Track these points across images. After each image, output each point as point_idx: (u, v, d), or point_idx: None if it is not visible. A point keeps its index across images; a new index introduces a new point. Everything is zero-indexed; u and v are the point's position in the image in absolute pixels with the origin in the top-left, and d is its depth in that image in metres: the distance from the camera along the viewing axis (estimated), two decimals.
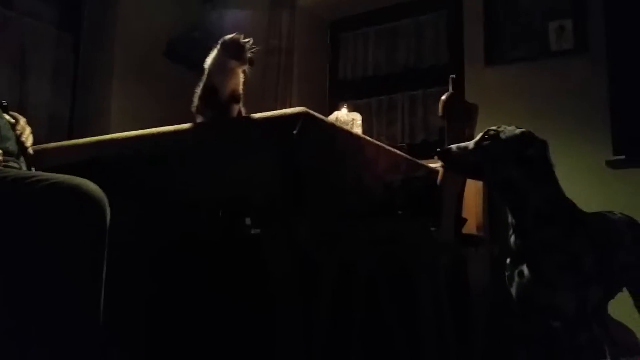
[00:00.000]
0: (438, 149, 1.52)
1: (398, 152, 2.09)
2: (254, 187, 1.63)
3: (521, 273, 1.44)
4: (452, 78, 3.62)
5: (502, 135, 1.42)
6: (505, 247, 1.52)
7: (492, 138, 1.43)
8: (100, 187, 1.33)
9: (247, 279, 1.84)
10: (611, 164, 2.97)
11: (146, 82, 3.89)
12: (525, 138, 1.41)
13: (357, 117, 2.12)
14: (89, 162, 1.80)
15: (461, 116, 1.76)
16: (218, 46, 1.65)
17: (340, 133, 1.75)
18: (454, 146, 1.51)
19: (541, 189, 1.41)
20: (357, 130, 2.01)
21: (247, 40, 1.64)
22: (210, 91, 1.64)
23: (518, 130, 1.43)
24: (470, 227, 2.86)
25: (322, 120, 1.68)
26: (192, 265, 1.92)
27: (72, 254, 1.26)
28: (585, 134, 3.07)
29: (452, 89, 3.59)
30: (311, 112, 1.55)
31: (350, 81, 4.23)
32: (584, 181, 2.97)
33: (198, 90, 1.70)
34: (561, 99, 3.17)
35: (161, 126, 1.72)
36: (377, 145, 1.92)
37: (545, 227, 1.40)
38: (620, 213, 1.70)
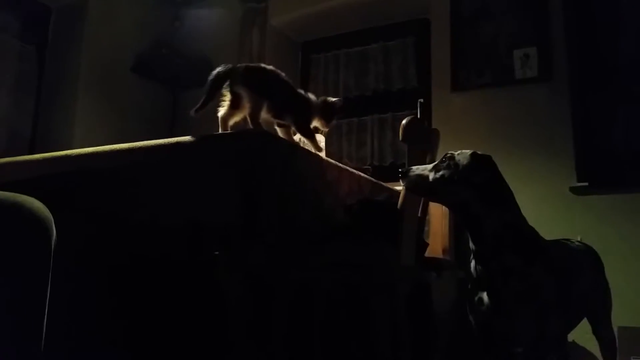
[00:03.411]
0: (400, 169, 1.53)
1: (361, 174, 2.07)
2: (210, 207, 1.58)
3: (481, 300, 1.42)
4: (421, 102, 3.66)
5: (457, 158, 1.42)
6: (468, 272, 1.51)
7: (447, 160, 1.43)
8: (52, 205, 1.27)
9: (204, 302, 1.77)
10: (575, 191, 3.01)
11: (112, 97, 3.82)
12: (474, 161, 1.41)
13: (321, 138, 2.09)
14: (41, 179, 1.73)
15: (422, 141, 1.75)
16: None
17: (301, 154, 1.72)
18: (414, 167, 1.51)
19: (498, 214, 1.39)
20: (322, 152, 1.98)
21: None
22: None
23: (468, 153, 1.43)
24: (436, 250, 2.85)
25: (282, 140, 1.65)
26: (145, 286, 1.84)
27: (10, 276, 1.19)
28: (549, 160, 3.11)
29: (420, 113, 3.62)
30: (270, 132, 1.52)
31: None
32: (548, 207, 3.01)
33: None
34: (526, 126, 3.20)
35: (127, 142, 1.68)
36: (339, 167, 1.89)
37: (505, 254, 1.38)
38: (578, 241, 1.71)
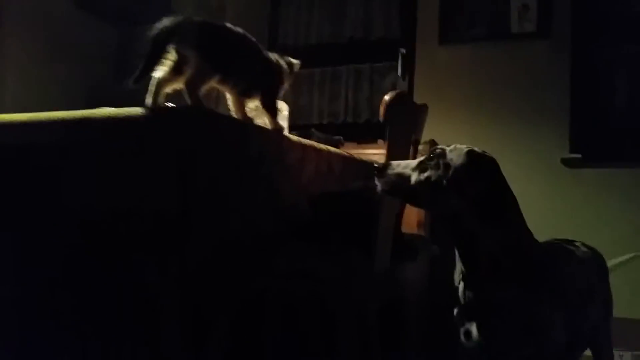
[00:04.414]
0: (375, 165, 1.21)
1: (331, 149, 1.74)
2: (141, 199, 1.26)
3: (468, 334, 1.14)
4: (402, 53, 3.28)
5: (448, 156, 1.10)
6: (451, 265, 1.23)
7: (436, 158, 1.11)
8: None
9: (132, 307, 1.47)
10: (567, 162, 2.76)
11: (49, 41, 3.31)
12: (470, 162, 1.10)
13: (284, 107, 1.73)
14: None
15: (407, 120, 1.41)
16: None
17: (254, 135, 1.38)
18: (394, 164, 1.19)
19: (496, 232, 1.10)
20: (283, 123, 1.64)
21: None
22: None
23: (464, 150, 1.11)
24: (410, 224, 2.57)
25: (228, 120, 1.31)
26: (63, 287, 1.52)
27: None
28: (542, 127, 2.84)
29: (401, 66, 3.25)
30: (213, 111, 1.18)
31: (291, 48, 3.80)
32: (537, 179, 2.77)
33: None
34: (519, 87, 2.91)
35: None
36: (304, 145, 1.56)
37: (502, 282, 1.10)
38: (584, 244, 1.42)
